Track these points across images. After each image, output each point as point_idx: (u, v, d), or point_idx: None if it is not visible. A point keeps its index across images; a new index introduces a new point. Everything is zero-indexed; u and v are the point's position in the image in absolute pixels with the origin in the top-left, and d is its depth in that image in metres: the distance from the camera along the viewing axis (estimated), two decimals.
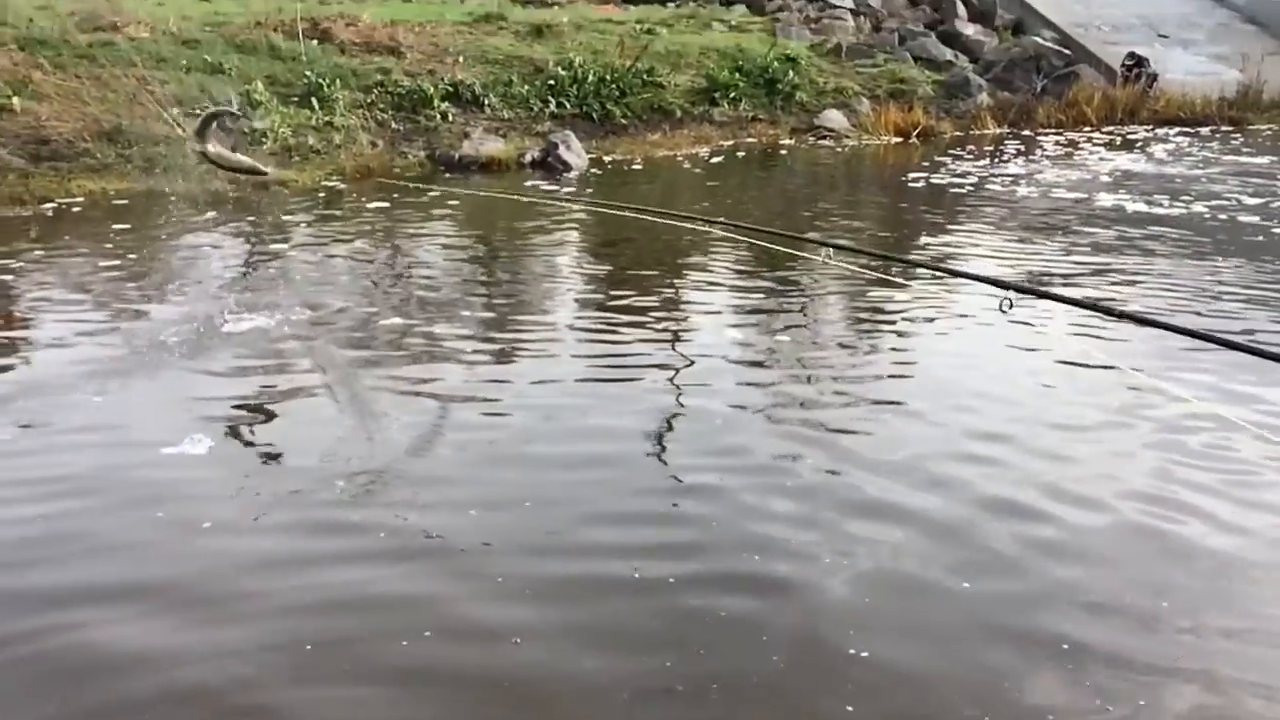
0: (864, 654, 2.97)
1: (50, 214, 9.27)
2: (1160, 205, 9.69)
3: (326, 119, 11.91)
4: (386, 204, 9.74)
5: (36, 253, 7.81)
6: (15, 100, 10.84)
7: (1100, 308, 4.27)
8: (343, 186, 10.67)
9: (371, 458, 4.24)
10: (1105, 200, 9.98)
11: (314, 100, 12.05)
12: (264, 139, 11.24)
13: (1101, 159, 12.61)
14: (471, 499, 3.88)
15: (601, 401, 4.88)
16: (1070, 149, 13.46)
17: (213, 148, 7.22)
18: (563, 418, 4.65)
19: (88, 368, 5.27)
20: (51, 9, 13.56)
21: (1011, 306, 3.60)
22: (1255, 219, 9.15)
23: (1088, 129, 14.87)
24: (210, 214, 9.09)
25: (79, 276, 7.20)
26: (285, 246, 8.14)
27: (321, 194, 10.34)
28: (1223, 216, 9.24)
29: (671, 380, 5.14)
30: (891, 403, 4.80)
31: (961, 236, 8.65)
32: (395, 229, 8.86)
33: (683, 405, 4.83)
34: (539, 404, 4.82)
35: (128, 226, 8.67)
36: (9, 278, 7.18)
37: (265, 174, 7.31)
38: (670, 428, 4.59)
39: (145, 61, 11.98)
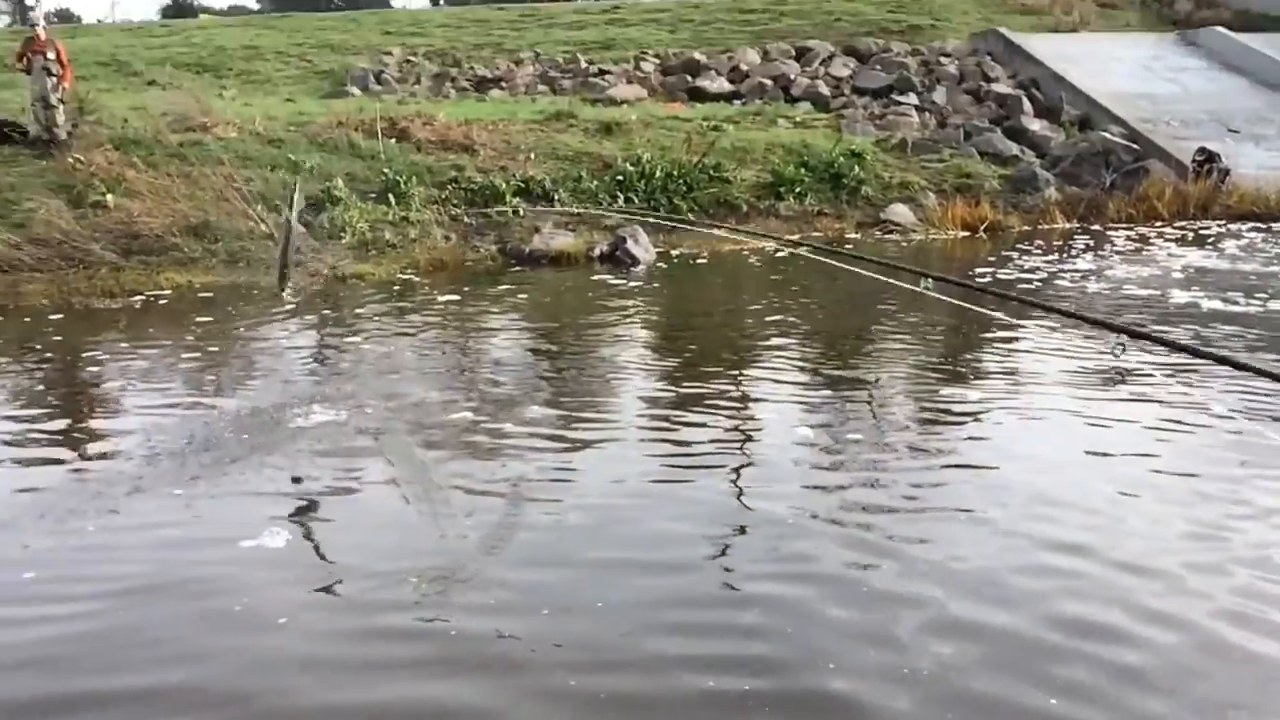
0: None
1: (138, 306, 9.63)
2: (1236, 303, 9.52)
3: (403, 214, 12.31)
4: (457, 297, 9.96)
5: (122, 344, 8.11)
6: (109, 197, 11.39)
7: (1219, 358, 4.12)
8: (417, 279, 10.95)
9: (442, 554, 4.28)
10: (1179, 297, 9.84)
11: (391, 196, 12.47)
12: (342, 234, 11.63)
13: (1172, 254, 12.46)
14: (542, 601, 3.89)
15: (668, 503, 4.88)
16: (1141, 244, 13.32)
17: (295, 222, 7.42)
18: (630, 520, 4.66)
19: (166, 461, 5.42)
20: (145, 110, 14.28)
21: (1124, 351, 3.53)
22: None
23: (1159, 224, 14.73)
24: (289, 306, 9.37)
25: (160, 368, 7.43)
26: (359, 339, 8.34)
27: (396, 286, 10.62)
28: None
29: (736, 482, 5.12)
30: (963, 510, 4.72)
31: (1030, 332, 8.54)
32: (466, 322, 9.03)
33: (749, 508, 4.81)
34: (605, 504, 4.83)
35: (210, 319, 8.97)
36: (95, 369, 7.45)
37: (281, 290, 7.66)
38: (738, 532, 4.56)
39: (232, 160, 12.53)
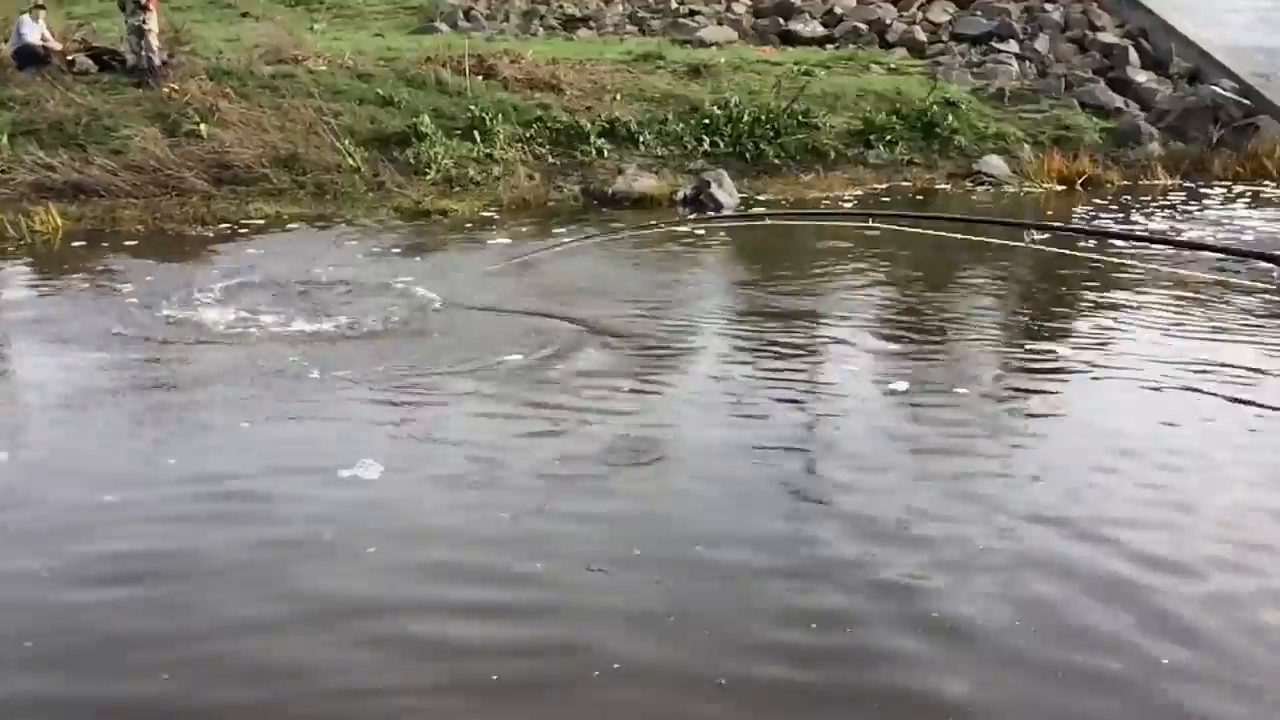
0: None
1: (227, 233, 9.81)
2: None
3: (487, 152, 12.28)
4: (522, 235, 9.93)
5: (215, 271, 8.23)
6: (203, 126, 11.56)
7: None
8: (499, 217, 10.94)
9: (526, 492, 4.30)
10: None
11: (476, 134, 12.44)
12: (427, 169, 11.68)
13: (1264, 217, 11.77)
14: (631, 542, 3.91)
15: (759, 460, 4.84)
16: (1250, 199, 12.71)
17: None
18: (717, 476, 4.63)
19: (261, 389, 5.52)
20: (239, 41, 14.43)
21: None
22: None
23: (1269, 183, 14.04)
24: (375, 243, 9.49)
25: (246, 296, 7.46)
26: (412, 277, 8.28)
27: (471, 224, 10.62)
28: None
29: (826, 442, 5.05)
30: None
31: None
32: (529, 266, 8.94)
33: (825, 476, 4.73)
34: (693, 466, 4.82)
35: (289, 247, 9.05)
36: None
37: None
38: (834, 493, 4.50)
39: (322, 93, 12.60)
